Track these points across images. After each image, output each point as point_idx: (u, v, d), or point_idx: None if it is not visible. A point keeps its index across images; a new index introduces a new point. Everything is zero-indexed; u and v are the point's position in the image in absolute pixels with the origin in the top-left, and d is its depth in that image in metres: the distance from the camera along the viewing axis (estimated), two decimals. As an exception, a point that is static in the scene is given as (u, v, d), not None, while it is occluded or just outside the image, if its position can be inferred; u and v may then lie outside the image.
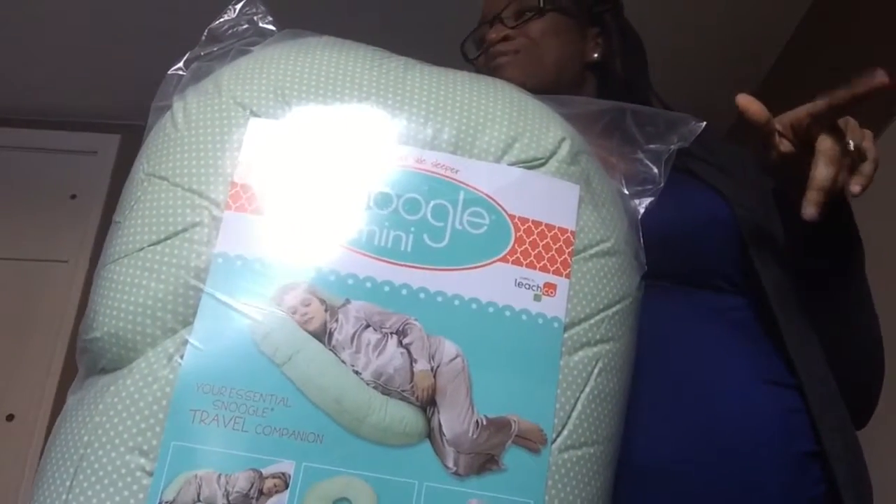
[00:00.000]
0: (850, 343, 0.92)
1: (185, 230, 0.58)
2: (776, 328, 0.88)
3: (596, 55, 1.13)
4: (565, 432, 0.58)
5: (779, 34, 2.43)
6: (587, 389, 0.60)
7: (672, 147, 0.75)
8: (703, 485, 0.77)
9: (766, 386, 0.83)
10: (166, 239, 0.58)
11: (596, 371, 0.61)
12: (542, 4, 1.10)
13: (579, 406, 0.60)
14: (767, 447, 0.80)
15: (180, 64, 0.68)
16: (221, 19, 0.71)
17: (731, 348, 0.86)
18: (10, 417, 2.44)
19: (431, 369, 0.56)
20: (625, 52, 1.15)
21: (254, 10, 0.72)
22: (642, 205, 0.73)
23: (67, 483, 0.53)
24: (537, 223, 0.62)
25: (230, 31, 0.71)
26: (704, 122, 0.76)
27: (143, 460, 0.53)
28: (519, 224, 0.61)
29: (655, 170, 0.74)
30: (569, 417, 0.59)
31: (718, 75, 2.53)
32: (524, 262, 0.60)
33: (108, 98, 2.72)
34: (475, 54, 1.15)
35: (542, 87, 1.05)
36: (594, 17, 1.15)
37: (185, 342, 0.55)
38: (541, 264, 0.61)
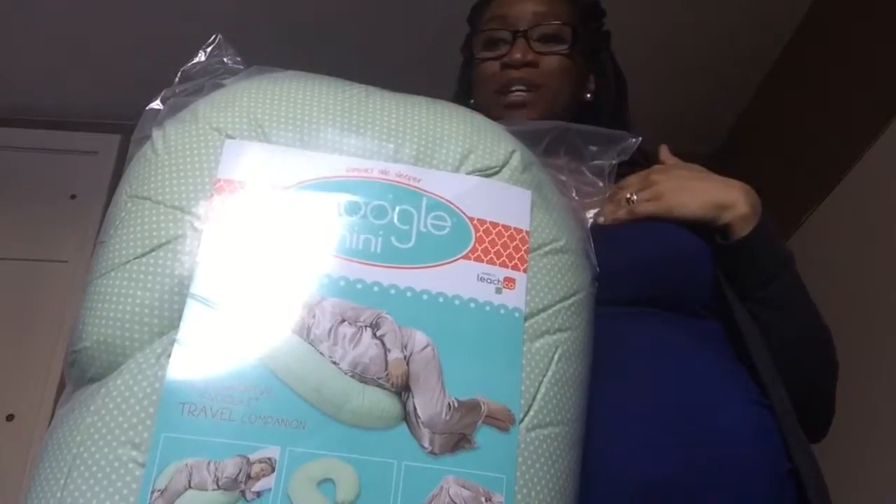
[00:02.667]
0: (797, 369, 0.95)
1: (168, 242, 0.62)
2: (746, 352, 0.92)
3: (589, 95, 1.17)
4: (531, 412, 0.63)
5: (778, 37, 2.47)
6: (549, 374, 0.65)
7: (613, 161, 0.82)
8: (705, 498, 0.80)
9: (752, 406, 0.87)
10: (151, 251, 0.62)
11: (556, 357, 0.66)
12: (572, 41, 1.11)
13: (543, 389, 0.64)
14: (759, 464, 0.83)
15: (157, 101, 0.74)
16: (193, 62, 0.77)
17: (720, 369, 0.89)
18: (10, 417, 2.40)
19: (404, 358, 0.61)
20: (617, 92, 1.19)
21: (223, 52, 0.78)
22: (589, 213, 0.79)
23: (62, 482, 0.56)
24: (495, 224, 0.68)
25: (203, 71, 0.77)
26: (640, 138, 0.83)
27: (134, 453, 0.56)
28: (478, 225, 0.67)
29: (600, 183, 0.81)
30: (534, 399, 0.63)
31: (717, 80, 2.57)
32: (485, 259, 0.66)
33: (108, 98, 2.73)
34: (484, 55, 1.14)
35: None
36: (594, 57, 1.18)
37: (173, 342, 0.59)
38: (500, 260, 0.66)
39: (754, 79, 2.60)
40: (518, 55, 1.09)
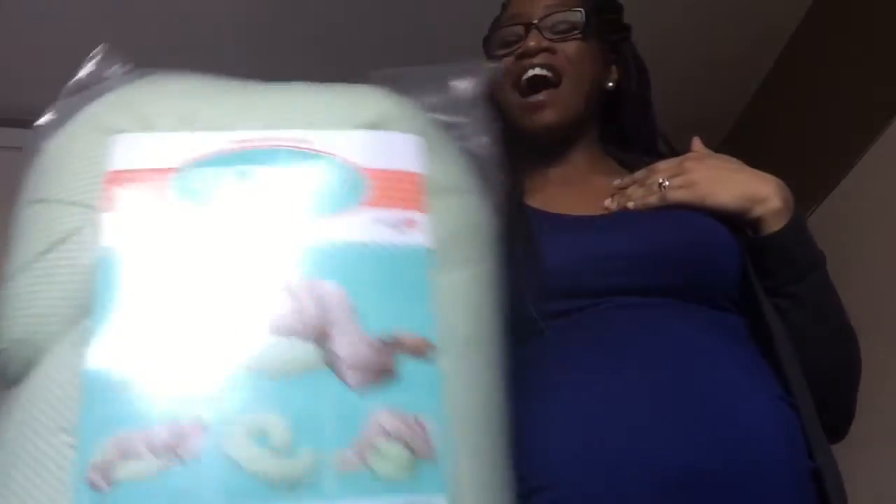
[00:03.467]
0: (820, 368, 0.95)
1: (70, 235, 0.63)
2: (771, 347, 0.92)
3: (611, 84, 1.17)
4: (447, 340, 0.64)
5: (777, 36, 2.47)
6: (460, 302, 0.67)
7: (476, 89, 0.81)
8: (732, 491, 0.80)
9: (778, 402, 0.87)
10: (53, 247, 0.63)
11: (465, 287, 0.68)
12: (584, 26, 1.10)
13: (455, 317, 0.66)
14: (784, 461, 0.83)
15: (45, 118, 0.74)
16: (79, 76, 0.78)
17: (744, 363, 0.89)
18: None
19: (317, 307, 0.62)
20: (640, 81, 1.18)
21: (112, 62, 0.79)
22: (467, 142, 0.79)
23: (3, 480, 0.57)
24: (389, 171, 0.69)
25: (89, 83, 0.77)
26: (500, 66, 0.83)
27: (66, 437, 0.56)
28: (373, 174, 0.68)
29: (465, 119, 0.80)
30: (448, 327, 0.65)
31: (716, 80, 2.57)
32: (384, 204, 0.67)
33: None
34: (500, 53, 1.13)
35: (571, 121, 1.12)
36: (613, 45, 1.18)
37: (88, 326, 0.59)
38: (399, 204, 0.68)
39: (754, 79, 2.59)
40: (532, 43, 1.08)
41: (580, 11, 1.10)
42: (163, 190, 0.65)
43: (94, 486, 0.53)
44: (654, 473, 0.79)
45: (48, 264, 0.62)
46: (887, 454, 1.69)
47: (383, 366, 0.61)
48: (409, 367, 0.61)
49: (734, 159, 1.04)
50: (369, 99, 0.75)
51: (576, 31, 1.10)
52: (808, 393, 0.90)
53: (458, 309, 0.66)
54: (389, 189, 0.67)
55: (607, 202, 1.06)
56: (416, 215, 0.67)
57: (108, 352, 0.58)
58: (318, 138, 0.68)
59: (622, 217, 1.03)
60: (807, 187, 2.29)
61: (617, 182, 1.09)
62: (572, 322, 0.92)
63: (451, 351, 0.64)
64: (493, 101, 1.15)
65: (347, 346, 0.60)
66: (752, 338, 0.94)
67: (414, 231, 0.66)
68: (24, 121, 2.90)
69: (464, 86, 0.79)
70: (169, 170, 0.66)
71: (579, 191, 1.11)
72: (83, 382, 0.57)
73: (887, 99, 1.99)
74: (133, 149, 0.67)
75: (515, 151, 1.15)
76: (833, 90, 2.25)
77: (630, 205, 1.02)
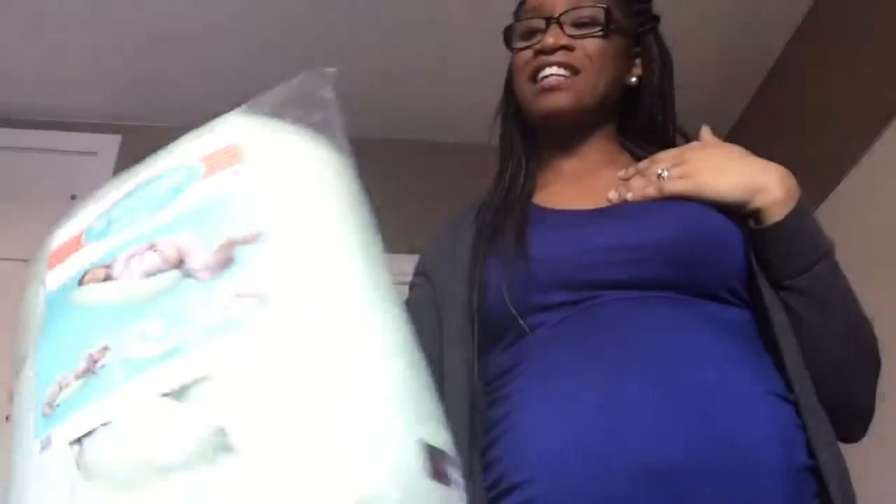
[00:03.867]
0: (829, 363, 0.94)
1: (35, 297, 0.91)
2: (774, 343, 0.91)
3: (634, 79, 1.16)
4: (281, 227, 0.81)
5: (777, 37, 2.50)
6: (295, 201, 0.85)
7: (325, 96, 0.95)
8: (713, 487, 0.80)
9: (771, 398, 0.86)
10: (27, 306, 0.92)
11: (299, 190, 0.86)
12: (606, 23, 1.08)
13: (289, 211, 0.84)
14: (775, 458, 0.82)
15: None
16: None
17: (737, 358, 0.88)
18: (9, 418, 2.49)
19: (175, 249, 0.82)
20: (662, 75, 1.17)
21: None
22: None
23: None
24: (215, 152, 0.90)
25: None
26: (334, 70, 0.89)
27: (33, 400, 0.79)
28: (205, 159, 0.90)
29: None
30: (280, 219, 0.82)
31: (717, 81, 2.59)
32: (215, 171, 0.88)
33: (107, 98, 2.76)
34: (519, 45, 1.14)
35: (587, 113, 1.11)
36: (638, 37, 1.16)
37: (42, 335, 0.85)
38: (224, 167, 0.88)
39: (754, 79, 2.58)
40: (551, 40, 1.07)
41: (603, 7, 1.08)
42: (77, 243, 0.91)
43: (44, 415, 0.76)
44: (632, 468, 0.80)
45: (25, 318, 0.91)
46: (889, 454, 1.66)
47: (225, 259, 0.79)
48: (243, 251, 0.79)
49: (739, 148, 1.02)
50: (212, 124, 0.98)
51: (597, 28, 1.08)
52: (811, 389, 0.88)
53: (292, 206, 0.84)
54: (216, 162, 0.89)
55: (610, 194, 1.05)
56: (239, 167, 0.87)
57: (50, 341, 0.84)
58: (168, 163, 0.93)
59: (618, 210, 1.03)
60: (807, 187, 2.27)
61: (621, 173, 1.09)
62: (567, 317, 0.93)
63: (286, 231, 0.81)
64: (511, 94, 1.16)
65: (198, 259, 0.80)
66: (756, 332, 0.93)
67: (239, 177, 0.87)
68: (25, 121, 2.96)
69: (315, 91, 0.94)
70: (81, 232, 0.93)
71: (588, 185, 1.10)
72: (39, 358, 0.83)
73: (887, 99, 1.97)
74: (63, 233, 0.96)
75: (529, 148, 1.15)
76: (833, 90, 2.23)
77: (629, 196, 1.02)
